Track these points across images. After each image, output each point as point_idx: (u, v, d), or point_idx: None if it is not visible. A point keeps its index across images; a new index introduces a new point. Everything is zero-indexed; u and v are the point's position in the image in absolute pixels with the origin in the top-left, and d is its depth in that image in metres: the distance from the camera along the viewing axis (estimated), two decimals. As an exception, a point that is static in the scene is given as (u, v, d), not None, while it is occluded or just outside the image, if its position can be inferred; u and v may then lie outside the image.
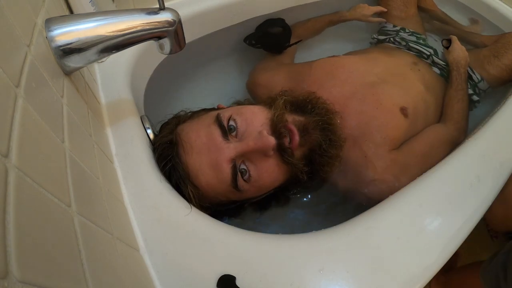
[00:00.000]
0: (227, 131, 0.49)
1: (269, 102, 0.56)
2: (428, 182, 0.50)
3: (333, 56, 0.76)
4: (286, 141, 0.50)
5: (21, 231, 0.18)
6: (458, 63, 0.78)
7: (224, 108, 0.58)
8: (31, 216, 0.20)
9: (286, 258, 0.41)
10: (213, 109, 0.59)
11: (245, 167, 0.49)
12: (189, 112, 0.59)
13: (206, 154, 0.48)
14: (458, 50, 0.80)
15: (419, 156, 0.61)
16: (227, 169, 0.48)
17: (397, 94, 0.66)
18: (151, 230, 0.42)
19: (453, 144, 0.66)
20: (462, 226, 0.45)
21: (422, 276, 0.41)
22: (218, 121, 0.49)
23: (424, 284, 0.40)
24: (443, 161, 0.53)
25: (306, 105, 0.57)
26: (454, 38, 0.83)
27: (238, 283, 0.38)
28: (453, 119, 0.70)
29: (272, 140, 0.47)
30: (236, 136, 0.50)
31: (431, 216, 0.45)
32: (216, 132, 0.49)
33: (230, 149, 0.48)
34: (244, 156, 0.49)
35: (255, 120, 0.51)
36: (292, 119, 0.53)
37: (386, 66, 0.74)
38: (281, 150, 0.50)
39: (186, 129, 0.52)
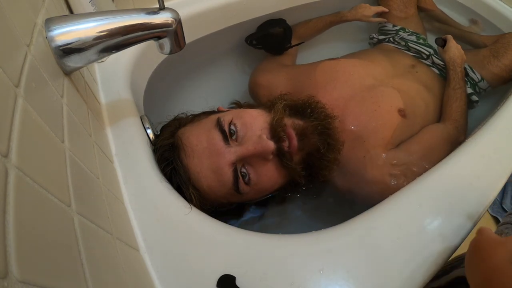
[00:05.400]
0: (227, 136, 0.49)
1: (268, 106, 0.57)
2: (428, 182, 0.50)
3: (333, 58, 0.77)
4: (285, 145, 0.51)
5: (21, 231, 0.18)
6: (454, 62, 0.78)
7: (224, 111, 0.58)
8: (31, 216, 0.20)
9: (286, 258, 0.41)
10: (213, 112, 0.59)
11: (245, 171, 0.50)
12: (190, 115, 0.59)
13: (207, 158, 0.49)
14: (454, 48, 0.80)
15: (417, 155, 0.61)
16: (228, 172, 0.48)
17: (395, 96, 0.67)
18: (151, 230, 0.42)
19: (453, 143, 0.66)
20: (462, 225, 0.45)
21: (422, 276, 0.41)
22: (219, 125, 0.50)
23: (424, 284, 0.40)
24: (443, 161, 0.53)
25: (305, 109, 0.58)
26: (449, 37, 0.82)
27: (238, 283, 0.38)
28: (452, 118, 0.70)
29: (271, 145, 0.48)
30: (236, 140, 0.50)
31: (431, 216, 0.45)
32: (217, 137, 0.49)
33: (231, 153, 0.48)
34: (244, 160, 0.50)
35: (254, 124, 0.51)
36: (291, 123, 0.53)
37: (385, 69, 0.75)
38: (280, 154, 0.50)
39: (187, 133, 0.52)
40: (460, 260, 0.51)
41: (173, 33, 0.43)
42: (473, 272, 0.34)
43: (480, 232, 0.36)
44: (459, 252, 0.44)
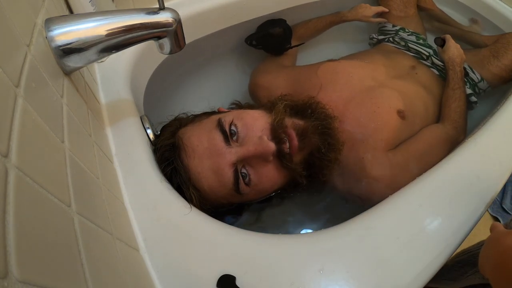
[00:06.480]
0: (228, 136, 0.49)
1: (269, 107, 0.57)
2: (428, 182, 0.50)
3: (333, 60, 0.77)
4: (285, 147, 0.51)
5: (21, 231, 0.18)
6: (453, 62, 0.78)
7: (225, 111, 0.58)
8: (31, 216, 0.20)
9: (286, 258, 0.41)
10: (214, 112, 0.59)
11: (245, 171, 0.50)
12: (191, 116, 0.59)
13: (208, 158, 0.49)
14: (453, 48, 0.80)
15: (416, 155, 0.61)
16: (228, 173, 0.48)
17: (395, 97, 0.67)
18: (151, 230, 0.42)
19: (452, 143, 0.66)
20: (462, 225, 0.45)
21: (422, 276, 0.41)
22: (220, 126, 0.50)
23: (424, 284, 0.40)
24: (443, 161, 0.53)
25: (306, 110, 0.58)
26: (448, 37, 0.82)
27: (238, 283, 0.38)
28: (451, 118, 0.70)
29: (272, 146, 0.48)
30: (237, 140, 0.51)
31: (431, 216, 0.45)
32: (218, 137, 0.49)
33: (232, 153, 0.48)
34: (245, 160, 0.50)
35: (255, 125, 0.52)
36: (291, 123, 0.54)
37: (384, 70, 0.75)
38: (280, 156, 0.50)
39: (188, 133, 0.52)
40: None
41: (173, 33, 0.43)
42: (486, 260, 0.36)
43: (492, 228, 0.37)
44: (459, 250, 0.45)
